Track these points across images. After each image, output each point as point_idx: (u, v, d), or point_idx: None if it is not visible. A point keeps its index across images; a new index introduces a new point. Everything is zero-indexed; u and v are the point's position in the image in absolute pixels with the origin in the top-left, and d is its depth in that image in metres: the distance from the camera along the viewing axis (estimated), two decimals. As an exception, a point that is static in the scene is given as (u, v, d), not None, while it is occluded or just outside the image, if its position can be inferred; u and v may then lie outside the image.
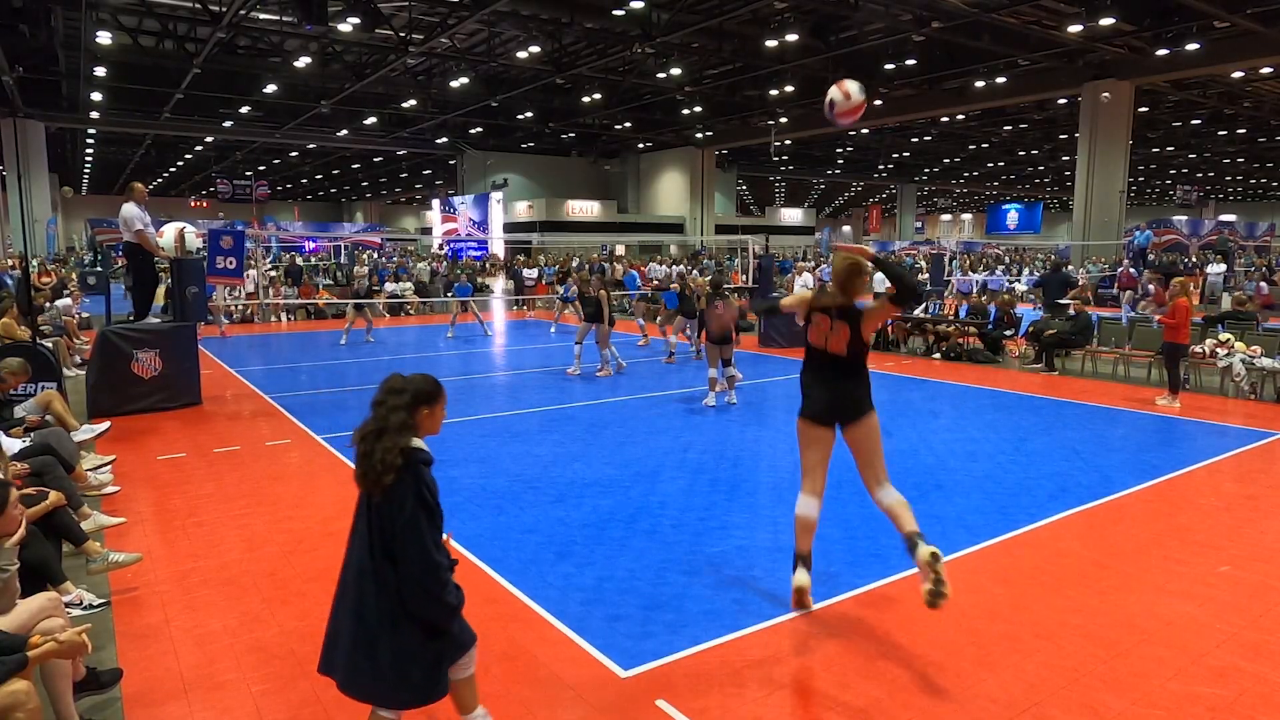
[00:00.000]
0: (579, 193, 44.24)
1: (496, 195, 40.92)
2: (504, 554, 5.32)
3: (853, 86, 4.78)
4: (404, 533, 2.70)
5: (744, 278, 21.11)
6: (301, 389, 11.43)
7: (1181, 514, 6.12)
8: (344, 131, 36.39)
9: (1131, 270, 23.92)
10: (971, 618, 4.42)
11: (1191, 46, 21.51)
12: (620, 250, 36.89)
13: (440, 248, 39.70)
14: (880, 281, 9.34)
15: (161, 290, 12.20)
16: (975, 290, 20.71)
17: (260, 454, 7.89)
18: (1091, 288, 23.18)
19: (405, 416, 2.80)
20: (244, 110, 32.15)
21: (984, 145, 43.18)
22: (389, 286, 22.32)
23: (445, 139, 39.43)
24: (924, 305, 16.18)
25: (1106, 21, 18.99)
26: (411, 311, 23.01)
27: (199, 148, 42.48)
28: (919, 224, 69.46)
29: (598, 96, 29.64)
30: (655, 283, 25.07)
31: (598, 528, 5.76)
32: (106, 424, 7.49)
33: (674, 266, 27.80)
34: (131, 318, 10.37)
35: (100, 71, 24.08)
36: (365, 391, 11.74)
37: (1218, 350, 11.02)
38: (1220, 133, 37.96)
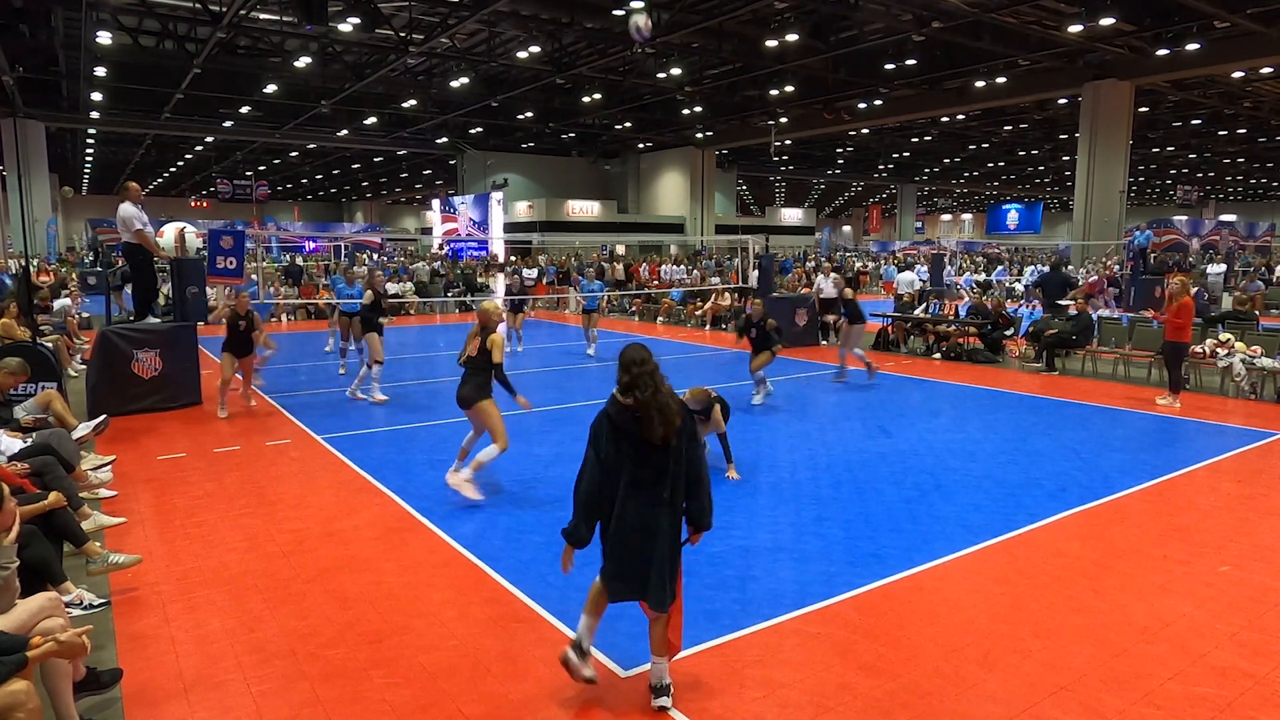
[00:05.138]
0: (579, 193, 44.22)
1: (496, 195, 40.91)
2: (504, 554, 5.32)
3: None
4: (701, 460, 3.63)
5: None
6: (301, 389, 11.43)
7: (1182, 514, 6.12)
8: (344, 131, 36.38)
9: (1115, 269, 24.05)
10: (972, 618, 4.42)
11: (1191, 46, 21.47)
12: (620, 250, 36.89)
13: (440, 248, 39.69)
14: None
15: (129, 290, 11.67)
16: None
17: (260, 454, 7.89)
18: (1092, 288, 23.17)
19: (660, 377, 3.56)
20: (244, 110, 32.13)
21: (984, 145, 43.14)
22: (390, 287, 22.33)
23: (445, 139, 39.42)
24: (924, 305, 16.19)
25: (1106, 21, 18.96)
26: (411, 312, 23.04)
27: (199, 148, 42.44)
28: (919, 224, 69.41)
29: (598, 96, 29.61)
30: (657, 284, 25.06)
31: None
32: (104, 416, 7.47)
33: (674, 267, 27.80)
34: (131, 318, 10.37)
35: (100, 71, 24.05)
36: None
37: (1218, 350, 11.02)
38: (1220, 133, 37.91)
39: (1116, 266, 24.22)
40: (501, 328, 8.50)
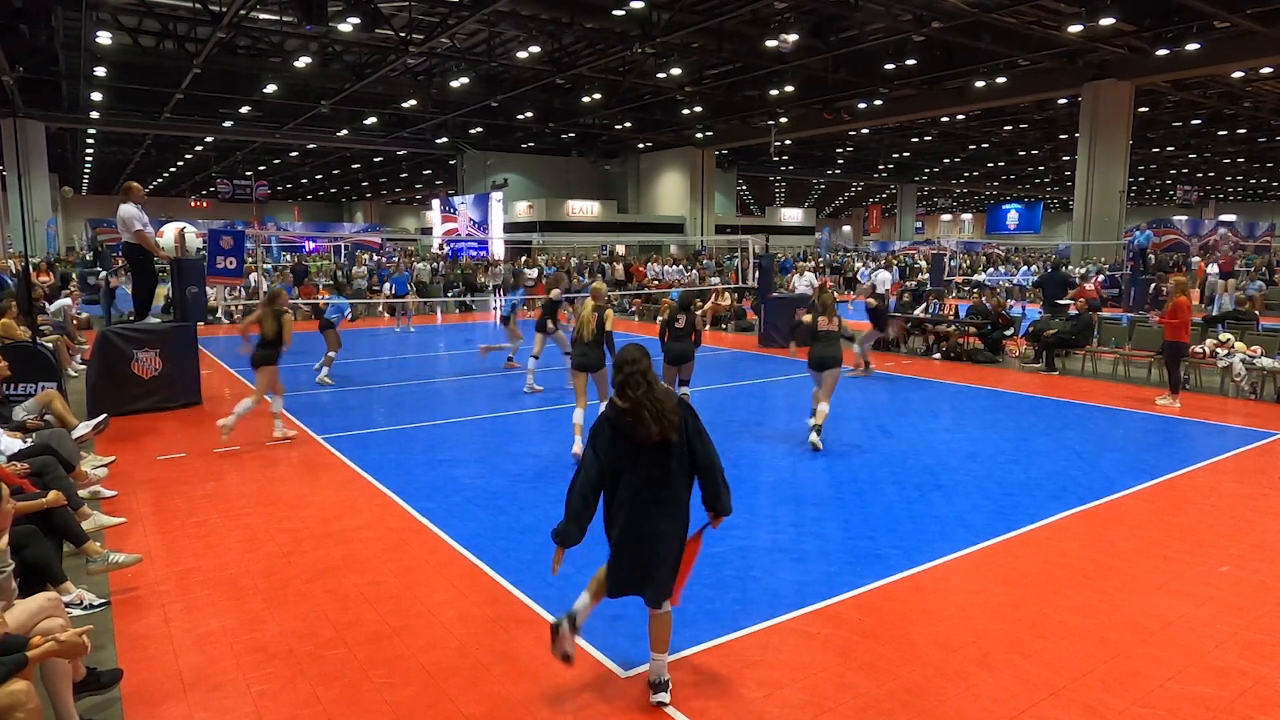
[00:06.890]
0: (579, 193, 44.21)
1: (496, 195, 40.90)
2: (504, 554, 5.32)
3: None
4: (712, 451, 3.71)
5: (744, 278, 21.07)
6: (302, 389, 11.42)
7: (1182, 514, 6.12)
8: (344, 131, 36.37)
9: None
10: (972, 618, 4.42)
11: (1191, 46, 21.48)
12: (620, 250, 36.87)
13: (440, 248, 39.68)
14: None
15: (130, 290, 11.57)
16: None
17: (260, 454, 7.89)
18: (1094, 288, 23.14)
19: (654, 376, 3.65)
20: (244, 110, 32.12)
21: (984, 145, 43.14)
22: (389, 287, 22.33)
23: (445, 139, 39.41)
24: (924, 305, 16.18)
25: (1106, 21, 18.97)
26: (412, 311, 23.00)
27: (199, 148, 42.42)
28: (919, 224, 69.43)
29: (598, 96, 29.60)
30: (657, 284, 25.07)
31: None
32: (103, 415, 7.46)
33: (672, 266, 27.79)
34: (131, 317, 10.36)
35: (100, 71, 24.03)
36: (365, 391, 11.75)
37: (1218, 350, 11.02)
38: (1220, 133, 37.90)
39: (1102, 277, 24.14)
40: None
